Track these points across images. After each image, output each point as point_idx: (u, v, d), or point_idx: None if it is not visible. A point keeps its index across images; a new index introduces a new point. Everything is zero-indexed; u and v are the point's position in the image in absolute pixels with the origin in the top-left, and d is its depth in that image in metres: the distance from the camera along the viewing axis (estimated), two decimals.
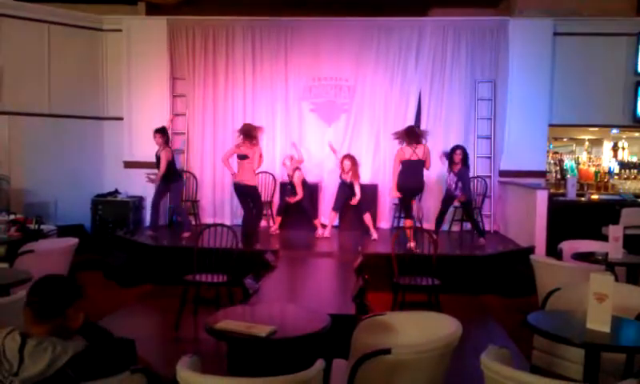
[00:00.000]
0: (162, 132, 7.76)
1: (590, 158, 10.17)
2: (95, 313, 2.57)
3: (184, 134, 8.97)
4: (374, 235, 7.69)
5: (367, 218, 7.75)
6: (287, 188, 8.19)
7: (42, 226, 6.39)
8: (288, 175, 8.08)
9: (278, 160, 8.69)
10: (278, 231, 8.09)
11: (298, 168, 7.96)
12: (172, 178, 7.77)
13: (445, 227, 8.48)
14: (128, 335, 2.64)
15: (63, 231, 6.99)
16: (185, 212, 8.23)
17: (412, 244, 6.63)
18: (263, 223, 8.33)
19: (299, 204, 7.98)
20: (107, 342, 2.44)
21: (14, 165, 8.27)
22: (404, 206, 7.27)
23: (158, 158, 7.70)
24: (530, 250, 6.81)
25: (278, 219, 8.21)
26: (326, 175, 8.74)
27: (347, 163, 7.59)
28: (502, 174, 8.59)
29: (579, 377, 3.23)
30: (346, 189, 7.76)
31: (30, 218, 6.44)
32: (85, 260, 7.00)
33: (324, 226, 8.03)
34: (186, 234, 7.70)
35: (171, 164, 7.72)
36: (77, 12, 8.96)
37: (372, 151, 8.60)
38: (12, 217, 6.31)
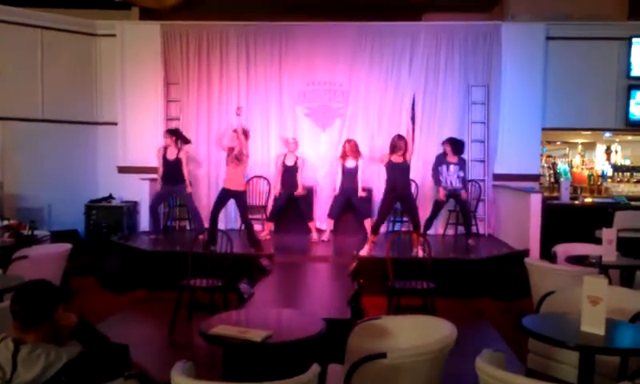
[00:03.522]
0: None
1: (583, 162, 10.22)
2: (89, 318, 2.55)
3: None
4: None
5: (367, 223, 7.78)
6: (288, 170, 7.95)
7: (36, 232, 6.35)
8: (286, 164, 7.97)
9: (272, 165, 8.67)
10: (268, 236, 8.07)
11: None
12: (180, 179, 7.83)
13: (439, 231, 8.52)
14: (122, 341, 2.63)
15: (57, 237, 6.96)
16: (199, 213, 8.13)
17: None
18: (258, 228, 8.33)
19: (297, 205, 7.96)
20: (102, 348, 2.43)
21: (7, 170, 8.21)
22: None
23: (168, 161, 7.76)
24: (525, 253, 6.81)
25: (270, 225, 8.17)
26: (320, 180, 8.73)
27: (347, 146, 7.78)
28: (496, 177, 8.62)
29: (574, 379, 3.23)
30: (342, 197, 7.80)
31: (23, 223, 6.40)
32: (78, 266, 6.97)
33: (319, 231, 8.04)
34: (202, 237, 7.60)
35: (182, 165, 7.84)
36: (70, 17, 8.93)
37: (366, 156, 8.59)
38: (5, 222, 6.27)
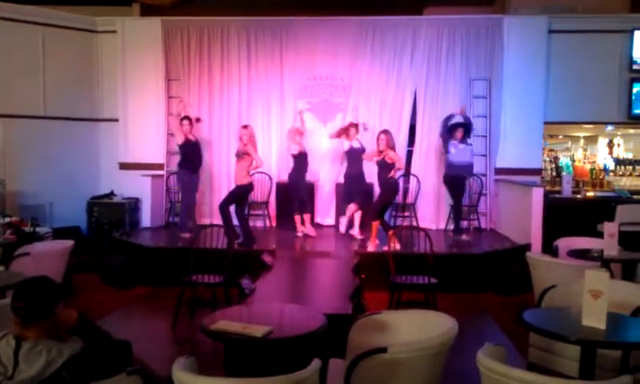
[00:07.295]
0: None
1: (585, 155, 10.18)
2: (92, 315, 2.56)
3: None
4: (358, 235, 7.59)
5: (357, 215, 7.71)
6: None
7: (38, 229, 6.37)
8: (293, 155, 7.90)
9: (273, 160, 8.68)
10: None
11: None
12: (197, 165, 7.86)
13: (441, 225, 8.51)
14: (125, 337, 2.64)
15: (59, 233, 6.96)
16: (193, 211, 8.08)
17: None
18: (260, 224, 8.34)
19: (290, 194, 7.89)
20: (103, 343, 2.43)
21: (8, 167, 8.23)
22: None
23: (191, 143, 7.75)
24: (526, 247, 6.81)
25: (307, 216, 7.92)
26: (322, 175, 8.73)
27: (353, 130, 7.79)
28: (498, 171, 8.60)
29: (575, 373, 3.23)
30: (349, 184, 7.73)
31: (25, 220, 6.42)
32: (81, 262, 6.98)
33: (305, 225, 7.86)
34: (186, 235, 7.51)
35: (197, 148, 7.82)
36: (71, 14, 8.94)
37: (368, 150, 8.56)
38: (7, 219, 6.28)
